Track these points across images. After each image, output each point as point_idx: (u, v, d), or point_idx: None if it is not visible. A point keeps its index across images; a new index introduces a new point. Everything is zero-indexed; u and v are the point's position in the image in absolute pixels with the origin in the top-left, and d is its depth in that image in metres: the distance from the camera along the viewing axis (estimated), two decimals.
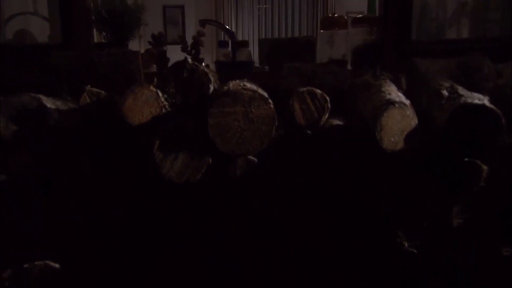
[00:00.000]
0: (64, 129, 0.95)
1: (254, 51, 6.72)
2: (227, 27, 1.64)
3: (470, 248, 0.94)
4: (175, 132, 0.91)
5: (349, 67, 1.39)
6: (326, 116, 0.94)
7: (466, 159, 0.90)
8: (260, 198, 0.94)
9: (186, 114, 0.97)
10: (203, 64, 1.36)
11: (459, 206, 0.93)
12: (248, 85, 0.94)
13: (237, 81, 1.01)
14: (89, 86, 0.96)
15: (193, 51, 1.29)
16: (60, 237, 0.91)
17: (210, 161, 0.92)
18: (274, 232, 0.95)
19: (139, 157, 0.94)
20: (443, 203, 0.92)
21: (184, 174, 0.91)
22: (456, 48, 1.34)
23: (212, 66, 1.67)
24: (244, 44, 1.34)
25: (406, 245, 0.93)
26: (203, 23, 1.60)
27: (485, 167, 0.89)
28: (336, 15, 1.37)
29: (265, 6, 6.61)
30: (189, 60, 0.95)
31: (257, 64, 1.65)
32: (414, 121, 0.89)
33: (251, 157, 0.93)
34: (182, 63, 0.95)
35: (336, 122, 0.94)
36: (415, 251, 0.93)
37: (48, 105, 0.97)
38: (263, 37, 6.56)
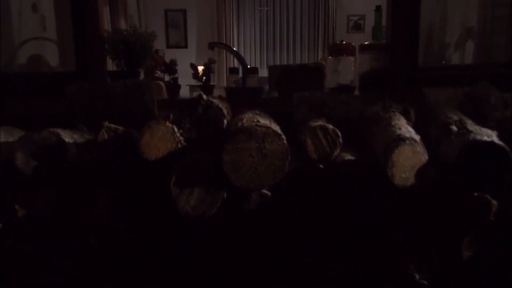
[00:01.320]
0: (82, 163, 0.98)
1: (256, 56, 6.76)
2: (235, 49, 1.66)
3: (480, 280, 0.95)
4: (191, 168, 0.93)
5: (356, 92, 1.42)
6: (338, 151, 0.96)
7: (476, 193, 0.92)
8: (273, 230, 0.96)
9: (201, 149, 0.99)
10: (215, 89, 1.38)
11: (469, 239, 0.95)
12: (262, 121, 0.96)
13: (250, 114, 1.04)
14: (107, 122, 0.98)
15: (204, 78, 1.32)
16: (78, 272, 0.93)
17: (225, 195, 0.94)
18: (287, 264, 0.97)
19: (156, 191, 0.96)
20: (454, 236, 0.94)
21: (200, 208, 0.93)
22: (462, 74, 1.36)
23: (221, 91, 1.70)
24: (254, 70, 1.36)
25: (417, 277, 0.95)
26: (212, 45, 1.63)
27: (494, 202, 0.91)
28: (344, 42, 1.40)
29: (266, 8, 6.66)
30: (204, 96, 0.98)
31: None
32: (424, 157, 0.91)
33: (265, 191, 0.95)
34: (197, 99, 0.98)
35: (348, 157, 0.96)
36: (426, 283, 0.95)
37: (67, 139, 0.99)
38: (265, 39, 6.62)
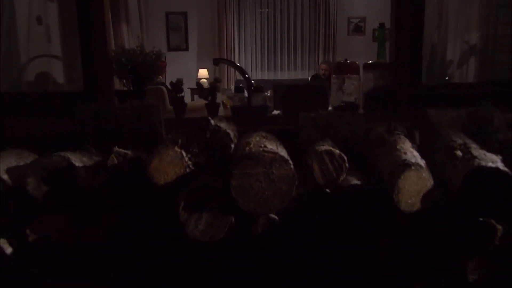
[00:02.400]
0: (92, 188, 0.99)
1: (257, 58, 6.77)
2: (238, 64, 1.68)
3: None
4: (199, 193, 0.95)
5: (361, 110, 1.43)
6: (344, 175, 0.98)
7: (481, 218, 0.93)
8: (281, 254, 0.97)
9: (209, 173, 1.01)
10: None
11: (475, 263, 0.96)
12: (269, 146, 0.97)
13: (257, 138, 1.05)
14: (116, 147, 1.00)
15: (209, 97, 1.33)
16: None
17: (233, 219, 0.95)
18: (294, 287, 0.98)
19: (165, 215, 0.97)
20: (459, 260, 0.95)
21: (208, 233, 0.95)
22: (465, 93, 1.38)
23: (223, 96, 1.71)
24: (259, 89, 1.38)
25: None
26: (216, 62, 1.65)
27: (499, 227, 0.92)
28: (348, 61, 1.42)
29: (267, 10, 6.70)
30: (212, 121, 0.99)
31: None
32: (430, 182, 0.92)
33: (272, 215, 0.97)
34: (205, 125, 1.00)
35: (354, 181, 0.97)
36: None
37: (77, 163, 1.01)
38: (265, 42, 6.66)
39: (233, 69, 6.61)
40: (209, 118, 1.00)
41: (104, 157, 1.12)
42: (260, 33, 6.80)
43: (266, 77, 6.83)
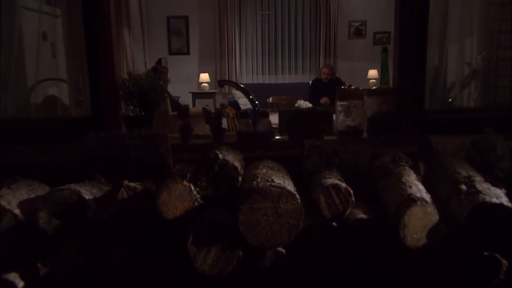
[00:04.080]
0: (102, 220, 1.01)
1: (258, 61, 6.79)
2: (241, 86, 1.70)
3: None
4: (208, 227, 0.96)
5: (365, 135, 1.45)
6: (350, 209, 0.99)
7: (486, 253, 0.94)
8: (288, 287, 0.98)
9: (217, 205, 1.02)
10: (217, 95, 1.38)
11: None
12: (276, 180, 0.99)
13: (264, 170, 1.07)
14: (126, 181, 1.01)
15: (215, 123, 1.35)
16: None
17: (241, 253, 0.97)
18: None
19: (173, 249, 0.99)
20: None
21: (216, 267, 0.96)
22: (468, 118, 1.39)
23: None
24: (264, 114, 1.40)
25: None
26: (221, 83, 1.67)
27: (504, 261, 0.93)
28: (352, 88, 1.44)
29: (268, 12, 6.72)
30: (220, 155, 1.01)
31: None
32: (435, 217, 0.94)
33: (279, 249, 0.98)
34: (213, 158, 1.01)
35: (360, 215, 0.98)
36: None
37: (87, 196, 1.03)
38: (266, 45, 6.69)
39: (234, 71, 6.65)
40: (217, 152, 1.02)
41: (113, 187, 1.14)
42: (261, 36, 6.82)
43: (267, 81, 6.85)
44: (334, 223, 0.99)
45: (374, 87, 1.43)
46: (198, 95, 6.29)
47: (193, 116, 1.43)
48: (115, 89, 1.39)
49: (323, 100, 5.16)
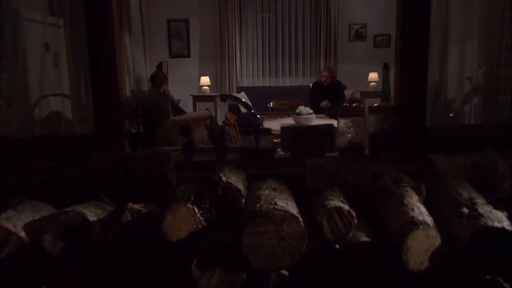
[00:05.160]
0: (106, 242, 1.02)
1: (258, 64, 6.81)
2: (243, 100, 1.71)
3: None
4: (211, 250, 0.97)
5: (366, 151, 1.45)
6: (353, 232, 1.00)
7: (488, 276, 0.94)
8: None
9: (221, 228, 1.03)
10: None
11: None
12: (279, 202, 1.00)
13: (267, 191, 1.08)
14: (130, 204, 1.02)
15: (218, 140, 1.36)
16: None
17: (244, 276, 0.98)
18: None
19: (177, 272, 1.00)
20: None
21: None
22: (469, 134, 1.40)
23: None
24: (267, 131, 1.41)
25: None
26: (223, 98, 1.68)
27: (507, 285, 0.94)
28: (354, 105, 1.44)
29: (268, 14, 6.74)
30: (224, 178, 1.02)
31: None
32: (437, 241, 0.95)
33: (283, 272, 0.99)
34: (216, 181, 1.02)
35: (363, 238, 0.99)
36: None
37: (91, 218, 1.04)
38: (267, 48, 6.71)
39: (234, 74, 6.66)
40: (221, 175, 1.03)
41: (117, 207, 1.15)
42: (261, 39, 6.84)
43: (267, 84, 6.86)
44: (337, 246, 1.00)
45: (375, 104, 1.44)
46: (199, 98, 6.31)
47: (194, 120, 1.44)
48: (119, 106, 1.40)
49: (324, 103, 5.18)
